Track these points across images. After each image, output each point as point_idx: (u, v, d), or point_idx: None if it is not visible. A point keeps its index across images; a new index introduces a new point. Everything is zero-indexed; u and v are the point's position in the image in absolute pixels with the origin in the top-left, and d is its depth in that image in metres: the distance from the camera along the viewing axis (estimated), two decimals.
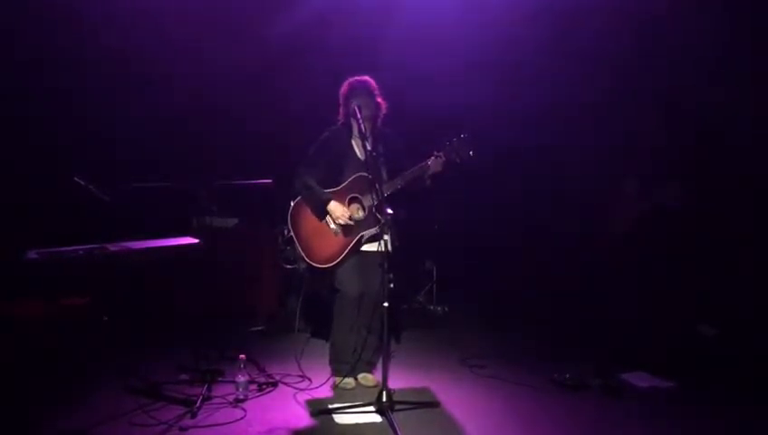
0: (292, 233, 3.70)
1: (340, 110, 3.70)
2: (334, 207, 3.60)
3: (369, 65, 3.83)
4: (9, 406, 3.23)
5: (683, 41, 4.75)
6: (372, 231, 3.56)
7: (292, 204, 3.72)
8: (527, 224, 5.80)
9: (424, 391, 3.70)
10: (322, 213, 3.63)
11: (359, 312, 3.73)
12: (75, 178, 3.40)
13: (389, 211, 3.46)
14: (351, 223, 3.60)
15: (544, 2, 5.20)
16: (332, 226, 3.64)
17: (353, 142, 3.73)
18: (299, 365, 3.95)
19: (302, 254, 3.66)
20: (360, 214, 3.63)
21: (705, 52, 4.62)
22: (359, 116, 3.51)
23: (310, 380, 3.82)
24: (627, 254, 4.63)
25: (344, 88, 3.66)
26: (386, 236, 3.26)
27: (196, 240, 3.58)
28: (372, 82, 3.66)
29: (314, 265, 3.64)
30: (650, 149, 4.68)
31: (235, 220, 5.10)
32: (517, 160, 5.82)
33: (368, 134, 3.53)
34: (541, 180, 5.72)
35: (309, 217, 3.67)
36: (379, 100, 3.65)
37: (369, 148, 3.49)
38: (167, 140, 5.20)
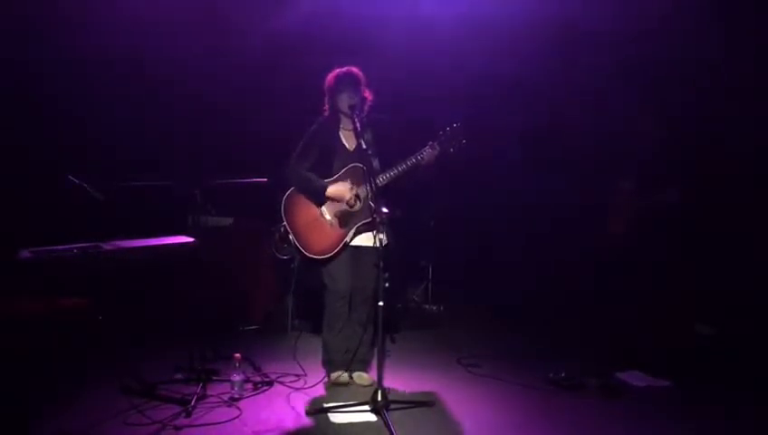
0: (285, 223, 3.67)
1: (326, 100, 3.69)
2: (335, 188, 3.58)
3: (369, 65, 3.82)
4: (5, 406, 3.22)
5: (683, 41, 4.75)
6: (367, 220, 3.56)
7: (284, 196, 3.68)
8: (526, 223, 5.80)
9: (419, 390, 3.69)
10: (321, 199, 3.61)
11: (350, 310, 3.73)
12: (69, 177, 3.39)
13: (385, 210, 3.46)
14: (355, 205, 3.59)
15: (543, 3, 5.20)
16: (328, 217, 3.63)
17: (341, 134, 3.72)
18: (298, 363, 3.95)
19: (297, 245, 3.64)
20: (356, 204, 3.63)
21: (706, 51, 4.62)
22: (354, 115, 3.51)
23: (305, 376, 3.82)
24: (626, 254, 4.63)
25: (330, 80, 3.66)
26: (381, 235, 3.25)
27: (192, 239, 3.57)
28: (358, 73, 3.64)
29: (310, 256, 3.62)
30: (650, 149, 4.68)
31: (231, 219, 5.10)
32: (516, 160, 5.82)
33: (358, 126, 3.51)
34: (540, 179, 5.72)
35: (303, 209, 3.65)
36: (366, 91, 3.64)
37: (364, 146, 3.48)
38: (162, 138, 5.19)
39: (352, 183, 3.62)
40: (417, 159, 3.56)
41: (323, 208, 3.64)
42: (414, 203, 5.08)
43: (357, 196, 3.62)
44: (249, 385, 3.63)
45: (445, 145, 3.58)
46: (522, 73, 5.49)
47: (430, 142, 3.59)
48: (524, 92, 5.55)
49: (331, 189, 3.59)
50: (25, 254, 3.03)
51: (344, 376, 3.71)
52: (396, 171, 3.55)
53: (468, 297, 6.04)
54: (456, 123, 3.60)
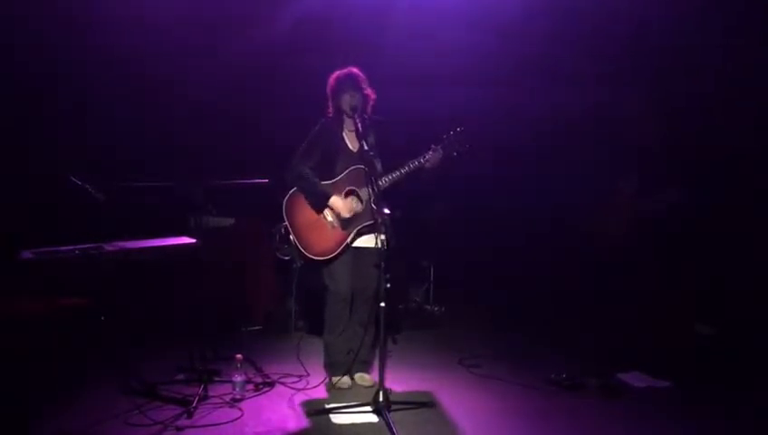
0: (287, 223, 3.67)
1: (330, 103, 3.70)
2: (335, 201, 3.59)
3: (369, 65, 3.83)
4: (5, 406, 3.22)
5: (684, 41, 4.76)
6: (369, 223, 3.56)
7: (286, 196, 3.68)
8: (526, 223, 5.80)
9: (420, 390, 3.70)
10: (322, 207, 3.62)
11: (351, 311, 3.73)
12: (71, 178, 3.39)
13: (386, 211, 3.46)
14: (354, 214, 3.60)
15: (543, 2, 5.21)
16: (329, 218, 3.63)
17: (344, 135, 3.73)
18: (302, 364, 3.95)
19: (298, 246, 3.64)
20: (358, 207, 3.63)
21: (706, 51, 4.63)
22: (356, 117, 3.52)
23: (308, 376, 3.83)
24: (626, 254, 4.64)
25: (331, 82, 3.67)
26: (382, 236, 3.25)
27: (193, 240, 3.57)
28: (359, 73, 3.65)
29: (311, 257, 3.62)
30: (650, 150, 4.69)
31: (232, 220, 5.09)
32: (517, 160, 5.82)
33: (360, 127, 3.52)
34: (540, 180, 5.72)
35: (304, 210, 3.65)
36: (367, 91, 3.65)
37: (366, 147, 3.48)
38: (162, 138, 5.18)
39: (353, 188, 3.62)
40: (419, 162, 3.57)
41: (326, 210, 3.64)
42: (415, 203, 5.08)
43: (358, 200, 3.63)
44: (251, 386, 3.63)
45: (448, 149, 3.58)
46: (523, 73, 5.50)
47: (433, 146, 3.59)
48: (525, 93, 5.54)
49: (333, 200, 3.59)
50: (27, 254, 3.03)
51: (346, 380, 3.71)
52: (398, 174, 3.55)
53: (469, 298, 6.04)
54: (460, 127, 3.60)
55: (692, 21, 4.65)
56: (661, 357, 4.16)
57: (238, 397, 3.48)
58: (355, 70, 3.67)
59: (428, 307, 5.58)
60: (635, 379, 3.92)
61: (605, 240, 4.90)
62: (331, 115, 3.73)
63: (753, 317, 4.41)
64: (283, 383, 3.76)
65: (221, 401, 3.44)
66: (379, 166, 3.57)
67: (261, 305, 5.15)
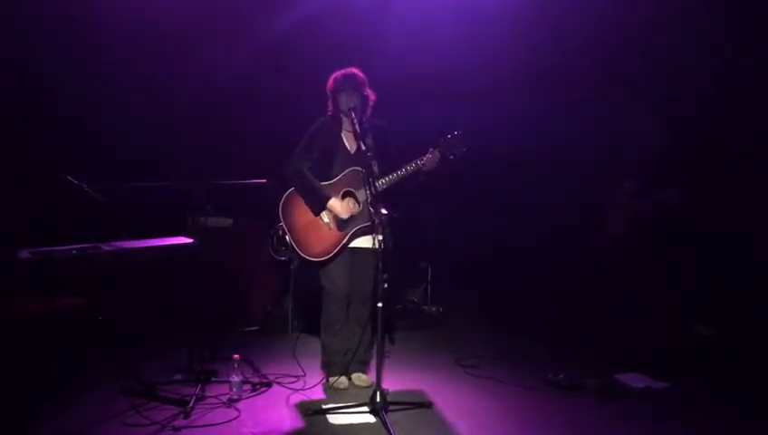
0: (283, 224, 3.67)
1: (329, 103, 3.69)
2: (334, 203, 3.59)
3: (369, 64, 3.82)
4: (6, 406, 3.22)
5: (684, 41, 4.74)
6: (366, 224, 3.55)
7: (283, 196, 3.67)
8: (526, 224, 5.79)
9: (418, 391, 3.69)
10: (320, 208, 3.61)
11: (348, 311, 3.73)
12: (68, 178, 3.39)
13: (384, 211, 3.45)
14: (351, 216, 3.59)
15: (543, 2, 5.19)
16: (325, 219, 3.62)
17: (342, 136, 3.72)
18: (298, 363, 3.95)
19: (295, 247, 3.63)
20: (355, 208, 3.62)
21: (707, 52, 4.61)
22: (353, 117, 3.51)
23: (305, 376, 3.83)
24: (626, 254, 4.63)
25: (330, 82, 3.65)
26: (380, 236, 3.25)
27: (191, 240, 3.56)
28: (359, 74, 3.63)
29: (307, 258, 3.62)
30: (651, 150, 4.67)
31: (230, 220, 5.09)
32: (517, 160, 5.81)
33: (358, 127, 3.51)
34: (540, 180, 5.71)
35: (301, 211, 3.64)
36: (367, 92, 3.64)
37: (363, 148, 3.47)
38: (162, 139, 5.19)
39: (350, 189, 3.62)
40: (417, 164, 3.57)
41: (322, 212, 3.64)
42: (414, 204, 5.08)
43: (355, 201, 3.62)
44: (248, 386, 3.63)
45: (444, 152, 3.58)
46: (523, 74, 5.49)
47: (431, 148, 3.59)
48: (526, 93, 5.53)
49: (332, 203, 3.59)
50: (25, 254, 3.03)
51: (343, 381, 3.71)
52: (396, 176, 3.55)
53: (468, 298, 6.03)
54: (457, 131, 3.60)
55: (692, 21, 4.63)
56: (661, 357, 4.15)
57: (235, 397, 3.47)
58: (355, 70, 3.66)
59: (426, 307, 5.57)
60: (634, 379, 3.91)
61: (605, 240, 4.89)
62: (330, 114, 3.72)
63: (753, 317, 4.40)
64: (280, 384, 3.76)
65: (218, 401, 3.44)
66: (376, 167, 3.56)
67: (259, 306, 5.15)
